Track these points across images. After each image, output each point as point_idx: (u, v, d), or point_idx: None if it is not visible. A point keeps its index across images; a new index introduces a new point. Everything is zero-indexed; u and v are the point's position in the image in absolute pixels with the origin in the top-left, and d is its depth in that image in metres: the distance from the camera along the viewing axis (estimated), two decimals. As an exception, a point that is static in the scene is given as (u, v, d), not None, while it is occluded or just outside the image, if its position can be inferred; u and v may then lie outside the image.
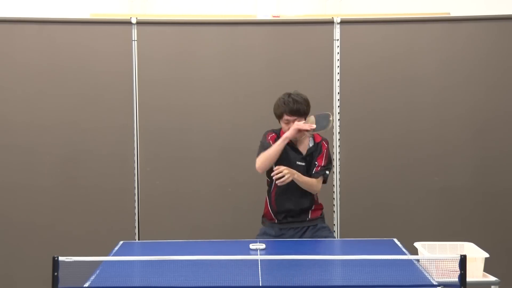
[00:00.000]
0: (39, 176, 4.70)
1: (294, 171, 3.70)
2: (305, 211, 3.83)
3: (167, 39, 4.77)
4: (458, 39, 4.76)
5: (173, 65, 4.75)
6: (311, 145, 3.84)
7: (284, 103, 3.73)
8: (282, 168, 3.64)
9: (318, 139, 3.87)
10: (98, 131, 4.72)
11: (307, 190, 3.78)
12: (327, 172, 3.82)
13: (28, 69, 4.70)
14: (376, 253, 3.06)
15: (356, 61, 4.75)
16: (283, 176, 3.61)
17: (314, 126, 3.73)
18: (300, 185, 3.73)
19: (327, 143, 3.89)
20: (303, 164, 3.80)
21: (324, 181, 3.86)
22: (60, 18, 4.97)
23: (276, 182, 3.64)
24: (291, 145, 3.81)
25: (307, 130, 3.74)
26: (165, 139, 4.75)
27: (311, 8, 6.19)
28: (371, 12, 5.96)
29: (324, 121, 3.78)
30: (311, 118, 3.78)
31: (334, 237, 3.91)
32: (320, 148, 3.83)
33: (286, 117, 3.74)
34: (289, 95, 3.77)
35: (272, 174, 3.65)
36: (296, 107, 3.71)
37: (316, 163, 3.81)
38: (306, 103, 3.76)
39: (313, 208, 3.85)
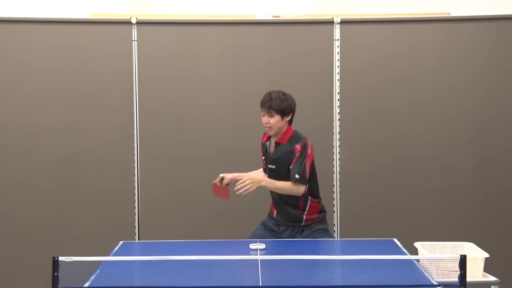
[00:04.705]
0: (39, 176, 4.70)
1: (262, 179, 3.73)
2: (299, 214, 3.80)
3: (167, 39, 4.77)
4: (458, 39, 4.76)
5: (173, 65, 4.75)
6: (282, 150, 3.76)
7: (263, 97, 3.78)
8: (246, 178, 3.67)
9: (294, 143, 3.74)
10: (98, 131, 4.72)
11: (288, 194, 3.73)
12: (296, 176, 3.66)
13: (28, 69, 4.70)
14: (376, 253, 3.07)
15: (356, 61, 4.75)
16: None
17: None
18: (276, 191, 3.75)
19: (302, 146, 3.71)
20: (273, 167, 3.80)
21: (303, 184, 3.70)
22: (60, 18, 4.97)
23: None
24: (265, 148, 3.87)
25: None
26: (165, 139, 4.75)
27: (311, 8, 6.20)
28: (371, 12, 5.97)
29: None
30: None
31: (331, 238, 3.90)
32: (292, 151, 3.73)
33: (261, 109, 3.78)
34: (272, 91, 3.78)
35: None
36: (267, 102, 3.72)
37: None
38: (282, 102, 3.71)
39: (306, 211, 3.80)
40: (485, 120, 4.76)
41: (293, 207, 3.80)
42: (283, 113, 3.74)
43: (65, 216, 4.72)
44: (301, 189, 3.71)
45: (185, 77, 4.75)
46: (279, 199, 3.83)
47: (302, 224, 3.81)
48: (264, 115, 3.77)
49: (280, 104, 3.72)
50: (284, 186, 3.71)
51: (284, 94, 3.77)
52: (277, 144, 3.80)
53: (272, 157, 3.81)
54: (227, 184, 3.89)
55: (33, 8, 5.85)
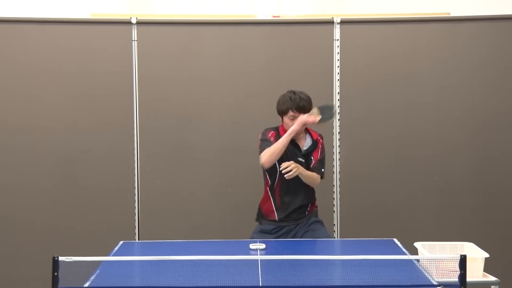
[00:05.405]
0: (39, 176, 4.70)
1: (299, 166, 3.77)
2: (306, 205, 3.90)
3: (167, 39, 4.77)
4: (458, 39, 4.76)
5: (173, 65, 4.75)
6: (310, 143, 3.93)
7: (291, 99, 3.82)
8: (289, 162, 3.72)
9: (315, 136, 3.96)
10: (98, 131, 4.72)
11: (309, 184, 3.86)
12: (323, 169, 3.91)
13: (28, 69, 4.70)
14: (376, 253, 3.06)
15: (356, 61, 4.75)
16: (290, 170, 3.68)
17: (318, 118, 3.81)
18: (303, 179, 3.80)
19: (322, 139, 3.99)
20: (303, 160, 3.87)
21: (322, 176, 3.93)
22: (60, 18, 4.97)
23: (285, 176, 3.70)
24: (292, 142, 3.86)
25: (313, 122, 3.83)
26: (165, 139, 4.75)
27: (311, 8, 6.20)
28: (371, 12, 5.97)
29: (327, 112, 3.88)
30: (314, 110, 3.85)
31: (326, 230, 3.95)
32: (316, 144, 3.93)
33: (291, 113, 3.82)
34: (294, 92, 3.85)
35: (281, 168, 3.72)
36: (302, 103, 3.81)
37: (312, 158, 3.89)
38: (310, 101, 3.86)
39: (311, 202, 3.94)
40: (485, 120, 4.76)
41: (308, 195, 3.91)
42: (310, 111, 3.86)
43: (65, 216, 4.71)
44: (319, 180, 3.90)
45: (185, 77, 4.75)
46: (293, 192, 3.86)
47: (306, 214, 3.90)
48: (294, 119, 3.81)
49: (310, 104, 3.85)
50: (311, 175, 3.85)
51: (304, 93, 3.86)
52: (310, 139, 3.92)
53: (304, 151, 3.89)
54: None
55: (33, 8, 5.85)
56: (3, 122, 4.70)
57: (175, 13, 6.03)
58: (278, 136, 3.84)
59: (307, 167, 3.85)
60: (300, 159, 3.86)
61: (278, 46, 4.79)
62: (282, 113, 3.87)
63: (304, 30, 4.82)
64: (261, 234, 3.89)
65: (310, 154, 3.90)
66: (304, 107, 3.81)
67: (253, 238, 3.87)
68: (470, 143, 4.77)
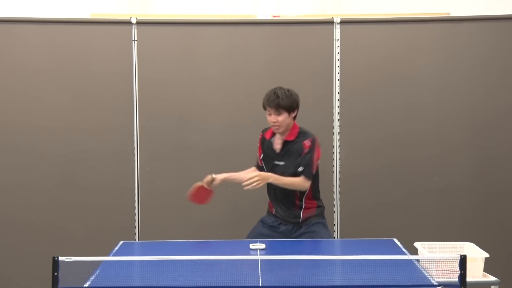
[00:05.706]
0: (39, 176, 4.70)
1: (269, 175, 3.71)
2: (296, 211, 3.81)
3: (167, 39, 4.77)
4: (458, 39, 4.76)
5: (173, 65, 4.75)
6: (286, 144, 3.79)
7: (267, 96, 3.77)
8: (253, 174, 3.67)
9: (292, 137, 3.79)
10: (98, 131, 4.72)
11: (293, 189, 3.76)
12: (299, 169, 3.70)
13: (28, 69, 4.69)
14: (376, 253, 3.06)
15: (356, 61, 4.75)
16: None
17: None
18: (283, 187, 3.74)
19: (312, 141, 3.75)
20: (281, 163, 3.79)
21: (308, 179, 3.73)
22: (60, 18, 4.97)
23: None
24: (269, 145, 3.85)
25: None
26: (165, 139, 4.75)
27: (311, 8, 6.20)
28: (371, 12, 5.97)
29: None
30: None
31: (329, 232, 3.92)
32: (301, 148, 3.75)
33: (267, 108, 3.77)
34: (276, 89, 3.78)
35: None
36: (274, 100, 3.71)
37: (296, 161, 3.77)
38: (288, 98, 3.73)
39: (303, 207, 3.81)
40: (485, 120, 4.76)
41: (288, 207, 3.82)
42: (290, 109, 3.75)
43: (65, 216, 4.72)
44: (306, 184, 3.73)
45: (185, 77, 4.75)
46: (275, 198, 3.85)
47: (300, 220, 3.82)
48: (270, 114, 3.75)
49: (287, 101, 3.73)
50: (290, 181, 3.71)
51: (288, 90, 3.78)
52: (286, 141, 3.80)
53: (281, 153, 3.80)
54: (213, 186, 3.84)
55: (33, 8, 5.86)
56: (3, 122, 4.70)
57: (175, 13, 6.04)
58: (263, 139, 3.90)
59: (295, 170, 3.74)
60: (278, 162, 3.79)
61: (278, 46, 4.79)
62: (264, 108, 3.81)
63: (304, 30, 4.82)
64: (262, 223, 3.92)
65: (296, 156, 3.73)
66: (276, 104, 3.68)
67: (255, 226, 3.92)
68: (470, 143, 4.77)
